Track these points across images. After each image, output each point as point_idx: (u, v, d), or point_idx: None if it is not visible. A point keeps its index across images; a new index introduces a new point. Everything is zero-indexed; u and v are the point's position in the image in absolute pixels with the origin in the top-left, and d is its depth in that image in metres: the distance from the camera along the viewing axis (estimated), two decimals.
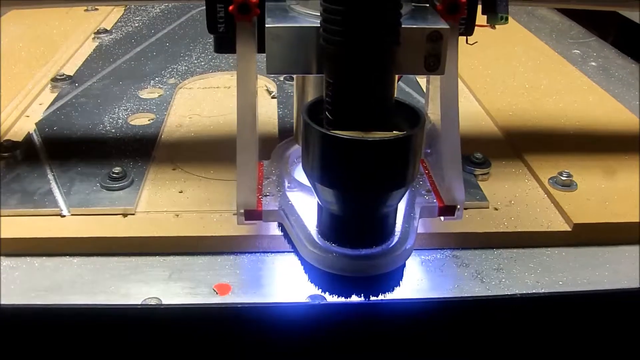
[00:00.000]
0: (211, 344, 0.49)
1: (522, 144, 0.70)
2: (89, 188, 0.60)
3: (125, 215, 0.57)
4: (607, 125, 0.75)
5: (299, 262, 0.50)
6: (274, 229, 0.55)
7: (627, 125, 0.76)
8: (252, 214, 0.50)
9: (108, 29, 1.06)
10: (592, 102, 0.81)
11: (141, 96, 0.81)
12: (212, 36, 0.98)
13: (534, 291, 0.52)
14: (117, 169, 0.61)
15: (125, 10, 1.16)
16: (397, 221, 0.48)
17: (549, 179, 0.63)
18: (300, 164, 0.53)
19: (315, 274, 0.48)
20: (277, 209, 0.50)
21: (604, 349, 0.52)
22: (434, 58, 0.44)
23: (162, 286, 0.52)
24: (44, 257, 0.54)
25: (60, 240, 0.55)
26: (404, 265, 0.49)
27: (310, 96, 0.52)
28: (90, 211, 0.57)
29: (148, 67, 0.90)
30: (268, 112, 0.77)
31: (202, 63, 0.92)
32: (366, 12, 0.39)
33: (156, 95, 0.81)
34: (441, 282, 0.52)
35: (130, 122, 0.74)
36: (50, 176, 0.62)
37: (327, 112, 0.43)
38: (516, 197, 0.61)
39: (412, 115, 0.44)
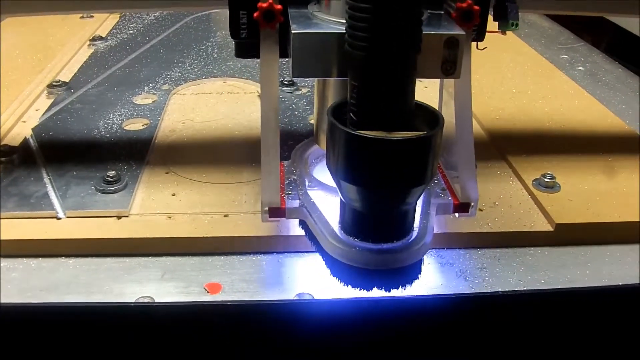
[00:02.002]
0: (202, 341, 0.50)
1: (507, 147, 0.71)
2: (84, 191, 0.61)
3: (119, 217, 0.59)
4: (591, 128, 0.77)
5: (321, 257, 0.52)
6: (263, 231, 0.56)
7: (611, 128, 0.77)
8: (276, 212, 0.52)
9: (103, 36, 1.07)
10: (578, 106, 0.83)
11: (135, 102, 0.82)
12: (205, 43, 1.01)
13: (516, 289, 0.53)
14: (111, 173, 0.62)
15: (120, 17, 1.18)
16: (415, 218, 0.51)
17: (533, 181, 0.64)
18: (319, 164, 0.59)
19: (338, 268, 0.50)
20: (300, 206, 0.53)
21: (585, 344, 0.54)
22: (451, 63, 0.47)
23: (155, 286, 0.53)
24: (41, 258, 0.55)
25: (56, 242, 0.56)
26: (422, 259, 0.51)
27: (331, 99, 0.53)
28: (85, 213, 0.59)
29: (142, 74, 0.91)
30: (259, 117, 0.77)
31: (196, 69, 0.93)
32: (390, 20, 0.41)
33: (150, 101, 0.82)
34: (426, 280, 0.53)
35: (124, 128, 0.75)
36: (46, 180, 0.63)
37: (351, 114, 0.45)
38: (500, 198, 0.62)
39: (431, 117, 0.47)
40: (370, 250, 0.48)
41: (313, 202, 0.53)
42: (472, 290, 0.53)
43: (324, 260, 0.52)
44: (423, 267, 0.54)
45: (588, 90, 0.88)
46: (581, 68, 1.02)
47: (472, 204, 0.54)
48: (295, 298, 0.51)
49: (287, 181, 0.56)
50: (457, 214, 0.55)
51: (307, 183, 0.56)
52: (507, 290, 0.52)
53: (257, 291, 0.52)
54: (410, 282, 0.51)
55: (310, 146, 0.61)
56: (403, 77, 0.44)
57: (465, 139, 0.53)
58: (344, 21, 0.44)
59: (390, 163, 0.44)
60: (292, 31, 0.46)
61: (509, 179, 0.66)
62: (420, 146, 0.44)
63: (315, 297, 0.51)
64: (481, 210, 0.60)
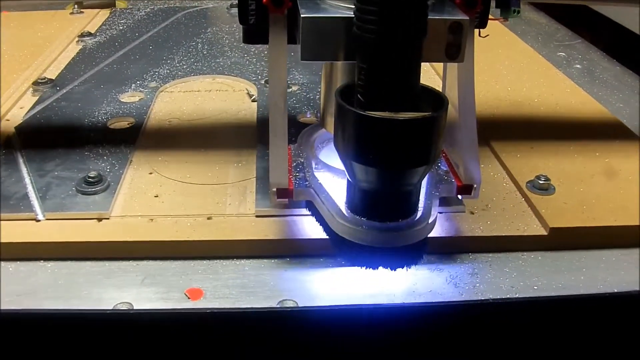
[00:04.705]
0: (181, 350, 0.49)
1: (501, 148, 0.69)
2: (64, 192, 0.60)
3: (100, 219, 0.57)
4: (588, 128, 0.75)
5: (328, 237, 0.54)
6: (247, 234, 0.55)
7: (608, 128, 0.75)
8: (283, 193, 0.54)
9: (92, 32, 1.05)
10: (574, 105, 0.81)
11: (122, 100, 0.80)
12: (195, 40, 1.00)
13: (507, 296, 0.51)
14: (92, 174, 0.61)
15: (110, 13, 1.17)
16: (420, 199, 0.53)
17: (527, 183, 0.62)
18: (325, 148, 0.61)
19: (344, 248, 0.53)
20: (307, 187, 0.55)
21: (579, 354, 0.53)
22: (455, 47, 0.49)
23: (134, 291, 0.51)
24: (19, 262, 0.54)
25: (34, 245, 0.54)
26: (426, 239, 0.53)
27: (338, 83, 0.55)
28: (65, 216, 0.57)
29: (130, 71, 0.90)
30: (247, 116, 0.77)
31: (184, 67, 0.91)
32: (399, 4, 0.43)
33: (137, 99, 0.81)
34: (415, 286, 0.52)
35: (109, 126, 0.74)
36: (27, 180, 0.62)
37: (359, 95, 0.47)
38: (493, 200, 0.61)
39: (436, 99, 0.49)
40: (377, 228, 0.50)
41: (320, 183, 0.55)
42: (463, 297, 0.51)
43: (330, 240, 0.54)
44: (413, 272, 0.53)
45: (585, 89, 0.87)
46: (578, 66, 1.00)
47: (475, 185, 0.55)
48: (278, 305, 0.50)
49: (294, 164, 0.58)
50: (460, 196, 0.57)
51: (313, 165, 0.58)
52: (498, 297, 0.51)
53: (240, 297, 0.51)
54: (415, 263, 0.53)
55: (316, 131, 0.63)
56: (410, 59, 0.46)
57: (468, 122, 0.55)
58: (351, 6, 0.47)
59: (397, 142, 0.46)
60: (302, 15, 0.48)
61: (502, 180, 0.65)
62: (426, 126, 0.46)
63: (300, 304, 0.50)
64: (473, 213, 0.59)
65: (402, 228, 0.51)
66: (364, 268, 0.53)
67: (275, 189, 0.53)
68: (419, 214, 0.52)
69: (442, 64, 0.60)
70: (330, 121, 0.56)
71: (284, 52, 0.52)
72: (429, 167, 0.49)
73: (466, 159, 0.55)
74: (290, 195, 0.54)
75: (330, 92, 0.56)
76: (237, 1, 0.51)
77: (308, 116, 0.75)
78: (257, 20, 0.51)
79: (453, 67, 0.55)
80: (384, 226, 0.50)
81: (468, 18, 0.48)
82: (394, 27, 0.44)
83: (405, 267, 0.54)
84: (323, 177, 0.56)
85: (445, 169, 0.58)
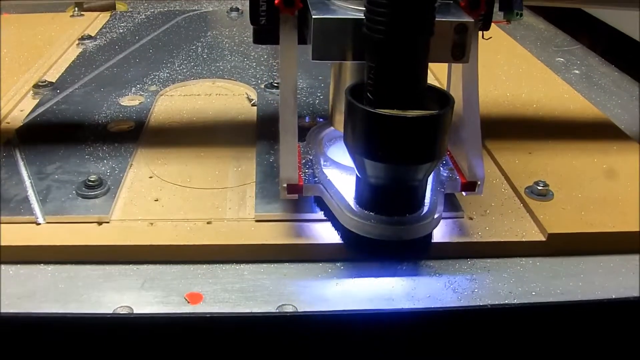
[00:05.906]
0: (180, 353, 0.49)
1: (500, 153, 0.70)
2: (65, 196, 0.60)
3: (100, 223, 0.57)
4: (586, 134, 0.75)
5: (336, 232, 0.56)
6: (246, 239, 0.55)
7: (607, 133, 0.76)
8: (293, 188, 0.55)
9: (92, 35, 1.05)
10: (573, 110, 0.81)
11: (122, 103, 0.80)
12: (195, 43, 1.00)
13: (506, 301, 0.51)
14: (93, 177, 0.61)
15: (110, 16, 1.17)
16: (426, 194, 0.54)
17: (525, 189, 0.62)
18: (333, 146, 0.63)
19: (353, 241, 0.55)
20: (316, 183, 0.56)
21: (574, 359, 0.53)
22: (460, 48, 0.51)
23: (134, 295, 0.51)
24: (19, 265, 0.54)
25: (34, 248, 0.54)
26: (431, 233, 0.55)
27: (346, 82, 0.56)
28: (65, 219, 0.57)
29: (130, 74, 0.89)
30: (247, 120, 0.77)
31: (184, 70, 0.91)
32: (407, 5, 0.45)
33: (137, 102, 0.81)
34: (413, 292, 0.52)
35: (109, 129, 0.74)
36: (27, 183, 0.62)
37: (368, 93, 0.48)
38: (492, 206, 0.61)
39: (441, 98, 0.50)
40: (385, 222, 0.52)
41: (329, 179, 0.56)
42: (461, 303, 0.51)
43: (339, 234, 0.56)
44: (411, 277, 0.54)
45: (583, 94, 0.87)
46: (577, 71, 1.00)
47: (479, 182, 0.56)
48: (277, 310, 0.50)
49: (304, 160, 0.60)
50: (464, 193, 0.58)
51: (322, 162, 0.59)
52: (496, 303, 0.51)
53: (239, 302, 0.51)
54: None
55: (324, 129, 0.64)
56: (417, 58, 0.47)
57: (472, 120, 0.56)
58: (359, 7, 0.49)
59: (406, 139, 0.48)
60: (313, 16, 0.49)
61: (501, 186, 0.65)
62: (433, 123, 0.48)
63: (299, 309, 0.50)
64: (471, 219, 0.59)
65: (410, 222, 0.52)
66: (363, 273, 0.54)
67: (285, 185, 0.54)
68: (426, 209, 0.53)
69: (441, 66, 0.60)
70: (339, 119, 0.58)
71: (294, 52, 0.53)
72: (436, 163, 0.51)
73: (470, 157, 0.56)
74: (300, 190, 0.55)
75: (338, 92, 0.58)
76: (236, 5, 0.51)
77: (307, 121, 0.75)
78: (268, 20, 0.53)
79: (457, 67, 0.57)
80: (392, 220, 0.52)
81: (473, 20, 0.50)
82: (402, 27, 0.45)
83: (404, 272, 0.54)
84: (332, 174, 0.57)
85: (450, 166, 0.59)
